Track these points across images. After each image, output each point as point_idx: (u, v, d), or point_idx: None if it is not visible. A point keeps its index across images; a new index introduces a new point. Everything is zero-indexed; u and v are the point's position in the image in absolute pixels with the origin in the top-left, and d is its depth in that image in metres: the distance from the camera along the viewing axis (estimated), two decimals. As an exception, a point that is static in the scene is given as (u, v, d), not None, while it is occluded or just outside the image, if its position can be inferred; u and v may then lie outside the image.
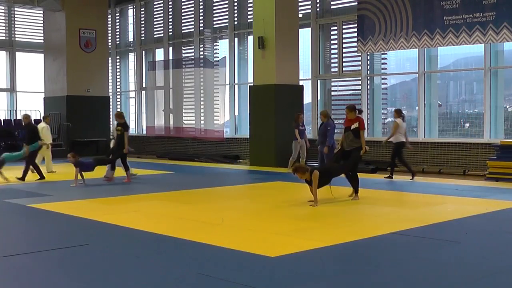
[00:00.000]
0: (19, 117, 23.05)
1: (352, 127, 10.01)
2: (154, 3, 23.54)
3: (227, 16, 20.64)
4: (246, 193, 11.76)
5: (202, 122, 21.28)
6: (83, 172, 12.34)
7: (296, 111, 15.23)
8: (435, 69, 16.34)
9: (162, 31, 23.18)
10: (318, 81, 18.49)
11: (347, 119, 10.25)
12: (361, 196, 10.02)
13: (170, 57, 22.90)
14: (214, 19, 21.33)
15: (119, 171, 12.98)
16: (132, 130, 25.06)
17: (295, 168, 9.57)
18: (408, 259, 5.96)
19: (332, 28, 18.15)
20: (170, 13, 22.91)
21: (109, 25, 24.55)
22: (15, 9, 23.72)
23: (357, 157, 10.00)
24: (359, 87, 17.39)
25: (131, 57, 25.20)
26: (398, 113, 13.40)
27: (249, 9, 19.40)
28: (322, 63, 18.45)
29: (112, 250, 6.46)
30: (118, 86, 25.59)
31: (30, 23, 24.46)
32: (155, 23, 23.62)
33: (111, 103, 24.07)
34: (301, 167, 9.55)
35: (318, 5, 18.27)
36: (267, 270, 5.52)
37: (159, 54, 23.58)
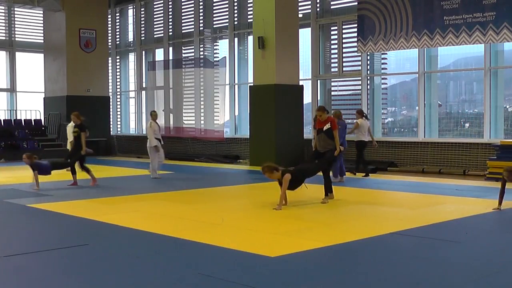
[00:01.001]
0: (19, 117, 23.06)
1: (325, 128, 9.90)
2: (154, 3, 23.53)
3: (227, 16, 20.63)
4: (246, 193, 11.76)
5: (202, 122, 21.26)
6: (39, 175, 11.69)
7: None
8: (435, 69, 16.33)
9: (162, 31, 23.17)
10: (318, 81, 18.48)
11: (319, 121, 10.08)
12: (361, 197, 10.01)
13: (170, 57, 22.90)
14: (214, 19, 21.32)
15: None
16: (132, 130, 25.12)
17: (262, 167, 9.20)
18: (408, 259, 5.96)
19: (332, 28, 18.14)
20: (170, 13, 22.90)
21: (109, 25, 24.56)
22: (15, 9, 23.71)
23: (332, 157, 9.86)
24: (359, 87, 17.39)
25: (131, 57, 25.18)
26: (360, 113, 14.20)
27: (249, 9, 19.39)
28: (322, 63, 18.45)
29: (112, 250, 6.46)
30: (118, 86, 25.57)
31: (30, 23, 24.45)
32: (155, 23, 23.61)
33: (111, 103, 24.10)
34: (268, 167, 9.15)
35: (318, 5, 18.26)
36: (267, 270, 5.52)
37: (159, 54, 23.58)
